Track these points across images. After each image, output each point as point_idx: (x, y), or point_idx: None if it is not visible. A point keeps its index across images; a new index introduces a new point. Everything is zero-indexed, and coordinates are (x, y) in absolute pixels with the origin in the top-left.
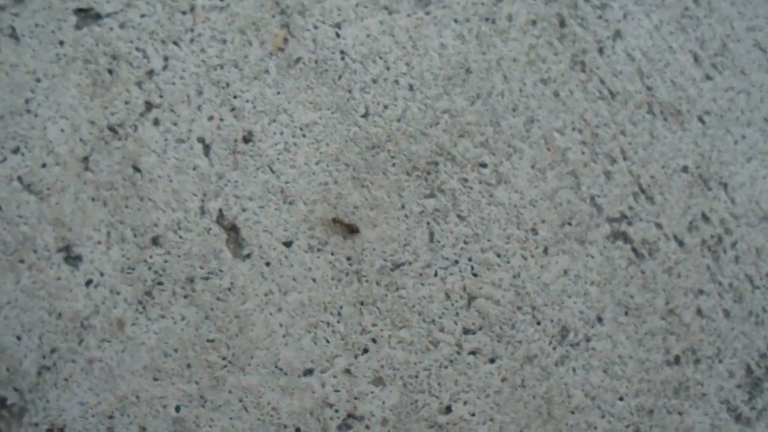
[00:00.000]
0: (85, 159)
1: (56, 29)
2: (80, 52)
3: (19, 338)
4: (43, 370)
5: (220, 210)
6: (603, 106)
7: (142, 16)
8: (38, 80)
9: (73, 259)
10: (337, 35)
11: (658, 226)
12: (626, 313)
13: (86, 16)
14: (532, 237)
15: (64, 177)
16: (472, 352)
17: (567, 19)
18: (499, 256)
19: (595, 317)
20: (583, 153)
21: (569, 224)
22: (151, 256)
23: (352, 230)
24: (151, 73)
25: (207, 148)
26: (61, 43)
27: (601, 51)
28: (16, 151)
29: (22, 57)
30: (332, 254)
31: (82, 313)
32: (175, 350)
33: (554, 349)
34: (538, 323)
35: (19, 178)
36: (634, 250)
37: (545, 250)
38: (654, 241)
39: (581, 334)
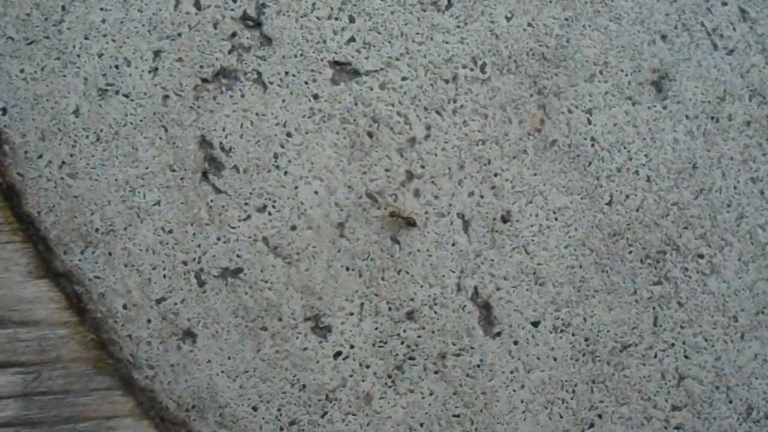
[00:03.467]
0: (341, 225)
1: (310, 81)
2: (337, 109)
3: (255, 409)
4: None
5: (476, 288)
6: None
7: (404, 79)
8: (289, 135)
9: (321, 329)
10: (589, 121)
11: None
12: None
13: (343, 70)
14: (733, 324)
15: (316, 242)
16: (677, 427)
17: None
18: (706, 340)
19: None
20: None
21: (762, 313)
22: (404, 331)
23: (409, 223)
24: (413, 140)
25: (466, 225)
26: (316, 96)
27: None
28: (262, 209)
29: (270, 107)
30: (573, 335)
31: (329, 385)
32: (421, 425)
33: (740, 425)
34: (730, 401)
35: (265, 239)
36: None
37: (742, 336)
38: None
39: (762, 411)
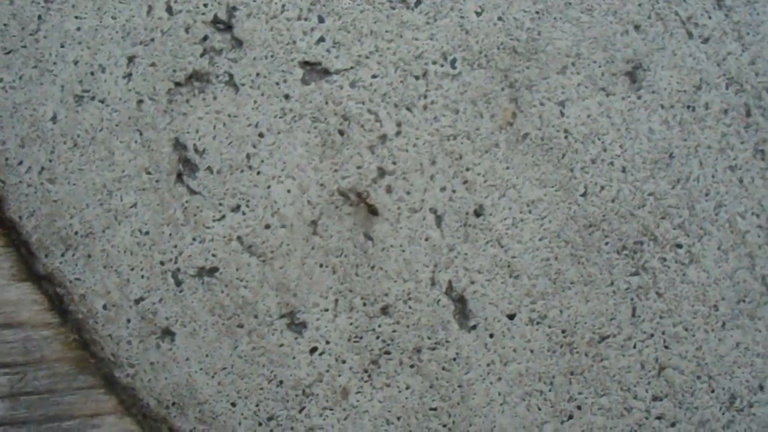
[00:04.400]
0: (314, 223)
1: (281, 81)
2: (308, 108)
3: (233, 405)
4: None
5: (450, 282)
6: None
7: (374, 76)
8: (261, 135)
9: (297, 325)
10: (562, 114)
11: None
12: None
13: (313, 70)
14: (714, 313)
15: (290, 240)
16: (658, 417)
17: (752, 109)
18: (686, 330)
19: (758, 386)
20: (759, 236)
21: (743, 301)
22: (379, 326)
23: (373, 212)
24: (384, 137)
25: (439, 220)
26: (287, 97)
27: None
28: (236, 209)
29: (242, 108)
30: (550, 327)
31: (305, 381)
32: (398, 418)
33: (723, 414)
34: (713, 391)
35: (239, 239)
36: None
37: (723, 325)
38: None
39: (746, 400)
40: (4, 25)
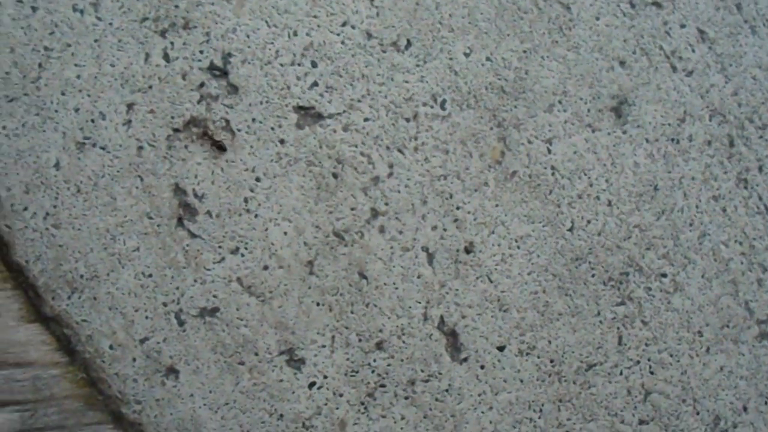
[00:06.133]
0: (310, 263)
1: (276, 126)
2: (303, 152)
3: None
4: None
5: (442, 317)
6: (759, 220)
7: (366, 120)
8: (258, 179)
9: (295, 361)
10: (549, 151)
11: None
12: (766, 403)
13: (307, 114)
14: (698, 338)
15: (287, 280)
16: None
17: (735, 139)
18: (671, 356)
19: (741, 407)
20: (742, 263)
21: (727, 326)
22: (374, 360)
23: (219, 147)
24: (376, 179)
25: (431, 257)
26: (282, 141)
27: (760, 169)
28: (235, 251)
29: (239, 153)
30: (538, 357)
31: (305, 414)
32: None
33: None
34: (698, 413)
35: (239, 280)
36: None
37: (707, 350)
38: None
39: (730, 421)
40: (6, 73)
